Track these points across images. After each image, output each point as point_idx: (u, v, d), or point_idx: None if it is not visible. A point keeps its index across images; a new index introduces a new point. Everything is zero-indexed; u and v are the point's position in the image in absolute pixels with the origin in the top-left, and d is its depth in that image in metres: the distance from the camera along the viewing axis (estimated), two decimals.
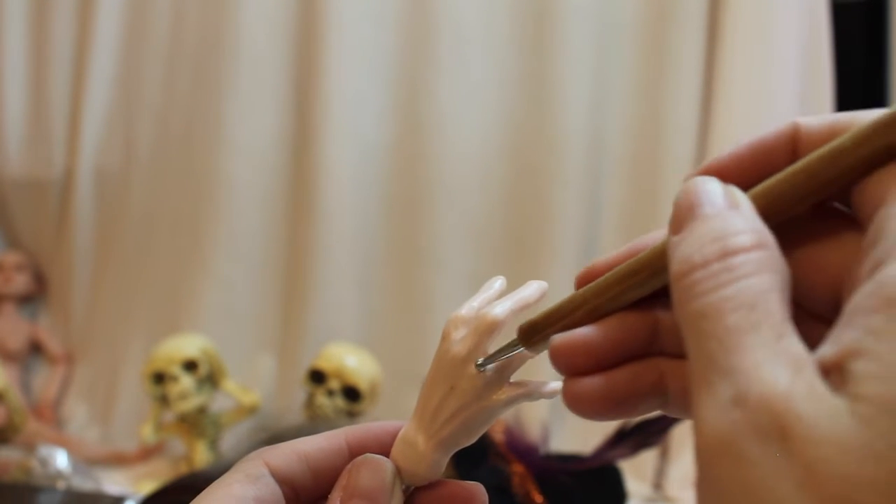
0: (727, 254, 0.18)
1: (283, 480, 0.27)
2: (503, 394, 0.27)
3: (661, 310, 0.23)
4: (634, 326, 0.23)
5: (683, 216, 0.20)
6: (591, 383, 0.23)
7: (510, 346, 0.27)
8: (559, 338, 0.24)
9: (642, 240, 0.24)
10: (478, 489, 0.28)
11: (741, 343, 0.17)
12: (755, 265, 0.18)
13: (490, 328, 0.27)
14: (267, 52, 1.19)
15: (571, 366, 0.24)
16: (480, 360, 0.27)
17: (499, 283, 0.29)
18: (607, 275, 0.24)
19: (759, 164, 0.22)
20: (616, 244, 1.17)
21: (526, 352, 0.26)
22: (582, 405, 0.23)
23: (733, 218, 0.19)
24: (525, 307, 0.28)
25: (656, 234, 0.24)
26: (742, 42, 1.09)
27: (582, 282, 0.25)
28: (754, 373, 0.17)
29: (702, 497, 0.17)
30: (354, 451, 0.28)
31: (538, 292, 0.28)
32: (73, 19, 1.26)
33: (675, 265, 0.19)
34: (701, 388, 0.17)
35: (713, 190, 0.21)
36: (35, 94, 1.28)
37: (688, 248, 0.19)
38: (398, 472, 0.28)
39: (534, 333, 0.26)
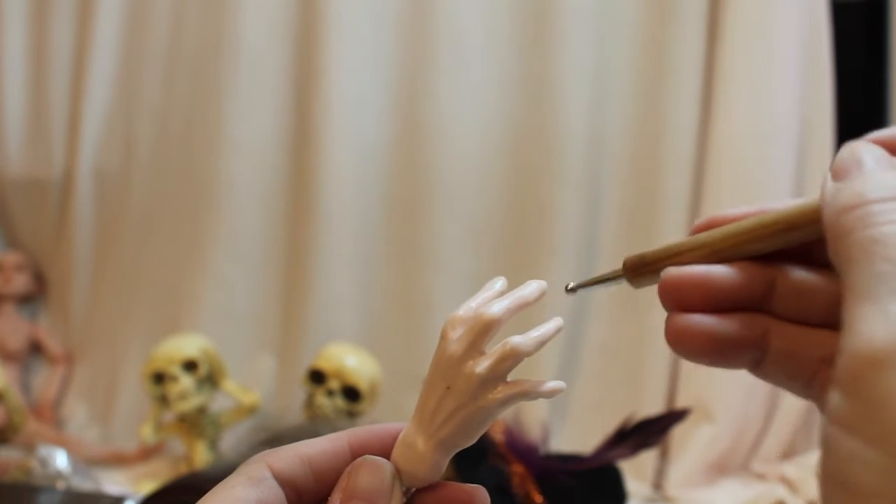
0: None
1: (285, 483, 0.27)
2: (499, 393, 0.26)
3: (779, 271, 0.24)
4: (754, 277, 0.24)
5: (848, 167, 0.22)
6: (701, 321, 0.23)
7: (608, 277, 0.27)
8: (674, 270, 0.24)
9: (767, 205, 0.25)
10: (479, 492, 0.28)
11: None
12: None
13: (486, 327, 0.27)
14: (267, 52, 1.19)
15: (683, 299, 0.24)
16: (572, 284, 0.27)
17: (499, 283, 0.29)
18: (734, 223, 0.24)
19: None
20: (616, 244, 1.17)
21: (625, 283, 0.26)
22: (686, 341, 0.24)
23: None
24: (523, 306, 0.28)
25: (785, 201, 0.24)
26: (742, 42, 1.09)
27: (699, 229, 0.25)
28: None
29: (852, 402, 0.18)
30: (357, 454, 0.28)
31: (537, 291, 0.28)
32: (73, 19, 1.26)
33: (845, 199, 0.21)
34: (865, 304, 0.19)
35: (878, 151, 0.22)
36: (35, 94, 1.28)
37: (860, 187, 0.21)
38: (398, 473, 0.28)
39: (642, 265, 0.26)
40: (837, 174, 0.22)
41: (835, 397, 0.19)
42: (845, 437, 0.18)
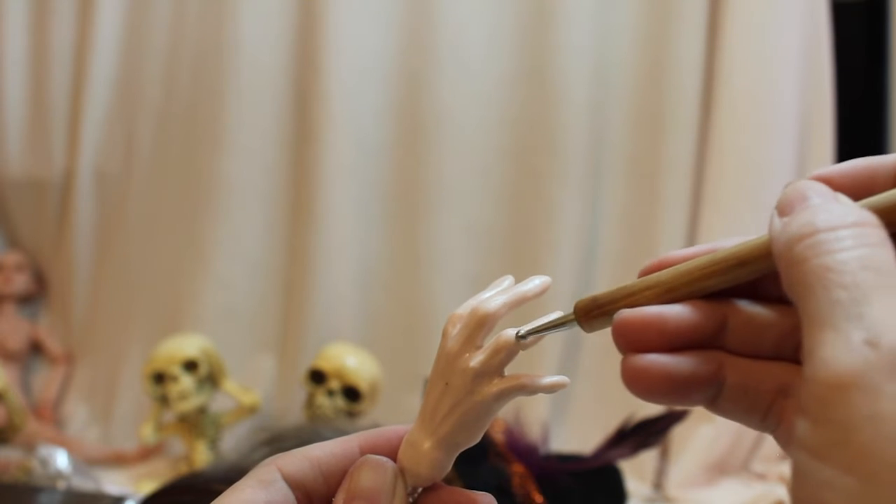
0: (857, 223, 0.21)
1: (295, 486, 0.28)
2: (494, 386, 0.26)
3: (730, 307, 0.24)
4: (707, 314, 0.24)
5: (793, 203, 0.22)
6: (657, 360, 0.23)
7: (561, 321, 0.26)
8: (629, 311, 0.24)
9: (717, 243, 0.25)
10: (485, 499, 0.28)
11: (872, 296, 0.19)
12: (879, 238, 0.20)
13: (481, 322, 0.27)
14: (267, 51, 1.19)
15: (638, 341, 0.24)
16: (523, 331, 0.26)
17: (507, 282, 0.28)
18: (686, 262, 0.25)
19: (860, 183, 0.24)
20: (616, 244, 1.17)
21: (578, 327, 0.26)
22: (643, 382, 0.24)
23: (842, 204, 0.22)
24: (522, 302, 0.27)
25: (734, 239, 0.25)
26: (742, 42, 1.09)
27: (649, 271, 0.25)
28: (889, 321, 0.18)
29: (821, 428, 0.18)
30: None
31: (539, 288, 0.28)
32: (73, 19, 1.26)
33: (796, 230, 0.21)
34: (825, 331, 0.19)
35: (820, 187, 0.23)
36: (35, 94, 1.28)
37: (809, 218, 0.21)
38: (402, 472, 0.28)
39: (593, 308, 0.25)
40: (783, 210, 0.22)
41: (802, 425, 0.19)
42: (816, 464, 0.18)
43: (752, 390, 0.24)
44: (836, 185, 0.23)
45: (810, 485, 0.18)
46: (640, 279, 0.25)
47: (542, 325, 0.27)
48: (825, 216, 0.21)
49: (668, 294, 0.24)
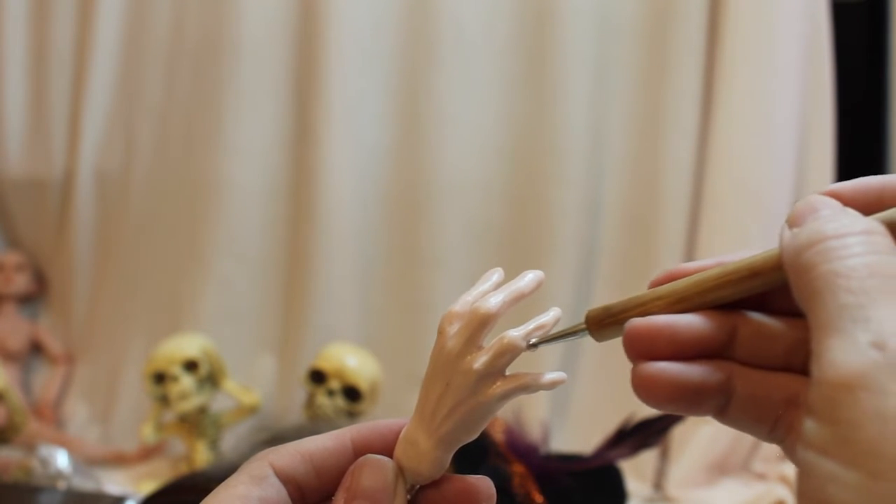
0: (866, 231, 0.21)
1: (287, 480, 0.28)
2: (498, 388, 0.27)
3: (740, 318, 0.25)
4: (717, 324, 0.24)
5: (804, 214, 0.23)
6: (667, 368, 0.24)
7: (571, 330, 0.27)
8: (640, 320, 0.24)
9: (723, 257, 0.26)
10: (484, 483, 0.28)
11: (878, 300, 0.20)
12: (887, 246, 0.21)
13: (483, 322, 0.27)
14: (267, 52, 1.19)
15: (648, 349, 0.24)
16: (534, 339, 0.27)
17: (496, 275, 0.28)
18: (698, 273, 0.25)
19: (869, 200, 0.24)
20: (616, 244, 1.17)
21: (588, 336, 0.26)
22: (652, 389, 0.24)
23: (853, 215, 0.22)
24: (519, 298, 0.28)
25: (741, 253, 0.25)
26: (742, 42, 1.09)
27: (658, 283, 0.26)
28: (894, 324, 0.19)
29: (827, 427, 0.19)
30: (359, 450, 0.29)
31: (534, 283, 0.28)
32: (73, 19, 1.26)
33: (805, 237, 0.22)
34: (833, 334, 0.20)
35: (830, 201, 0.23)
36: (35, 94, 1.28)
37: (818, 227, 0.22)
38: (401, 471, 0.28)
39: (605, 317, 0.26)
40: (794, 221, 0.23)
41: (809, 424, 0.20)
42: (822, 461, 0.19)
43: (761, 401, 0.24)
44: (846, 200, 0.24)
45: (815, 479, 0.19)
46: (652, 290, 0.25)
47: (553, 334, 0.27)
48: (834, 224, 0.22)
49: (680, 304, 0.25)
